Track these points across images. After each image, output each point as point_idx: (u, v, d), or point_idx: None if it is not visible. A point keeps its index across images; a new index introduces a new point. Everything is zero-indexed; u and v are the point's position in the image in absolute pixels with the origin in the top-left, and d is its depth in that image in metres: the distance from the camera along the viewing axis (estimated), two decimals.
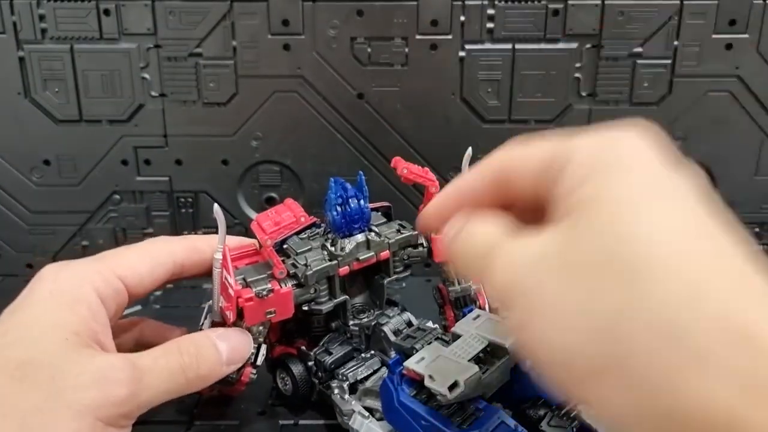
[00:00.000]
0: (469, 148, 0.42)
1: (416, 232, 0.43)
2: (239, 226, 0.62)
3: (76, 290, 0.36)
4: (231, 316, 0.38)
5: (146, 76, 0.58)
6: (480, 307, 0.44)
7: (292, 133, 0.60)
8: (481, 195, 0.27)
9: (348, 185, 0.41)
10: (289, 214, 0.42)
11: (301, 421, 0.44)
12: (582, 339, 0.20)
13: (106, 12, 0.57)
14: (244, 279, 0.39)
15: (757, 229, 0.63)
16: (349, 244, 0.41)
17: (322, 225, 0.43)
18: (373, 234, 0.42)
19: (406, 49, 0.58)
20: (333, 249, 0.41)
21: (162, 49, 0.58)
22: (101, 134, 0.60)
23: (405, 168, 0.42)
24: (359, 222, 0.41)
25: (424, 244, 0.43)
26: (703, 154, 0.61)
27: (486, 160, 0.27)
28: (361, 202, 0.41)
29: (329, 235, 0.42)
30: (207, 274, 0.40)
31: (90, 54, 0.58)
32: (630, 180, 0.22)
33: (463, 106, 0.59)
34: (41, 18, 0.57)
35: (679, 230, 0.20)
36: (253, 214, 0.62)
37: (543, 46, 0.58)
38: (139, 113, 0.59)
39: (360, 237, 0.41)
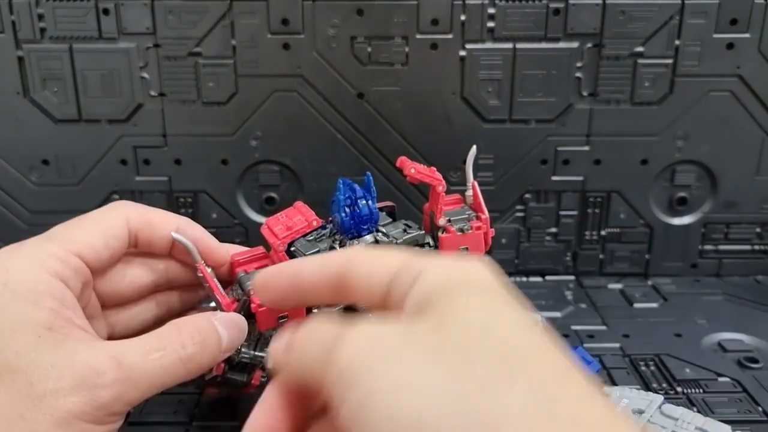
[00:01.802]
0: (474, 147, 0.42)
1: (423, 232, 0.42)
2: (239, 226, 0.62)
3: (33, 279, 0.32)
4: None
5: (145, 75, 0.58)
6: None
7: (292, 133, 0.60)
8: (317, 289, 0.27)
9: (356, 186, 0.41)
10: (301, 218, 0.41)
11: None
12: (439, 413, 0.19)
13: (105, 11, 0.56)
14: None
15: (758, 230, 0.63)
16: (358, 245, 0.41)
17: (328, 226, 0.42)
18: (380, 234, 0.41)
19: (407, 49, 0.58)
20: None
21: (161, 48, 0.57)
22: (100, 134, 0.60)
23: (412, 168, 0.41)
24: (368, 223, 0.41)
25: (431, 243, 0.43)
26: (704, 153, 0.61)
27: (329, 257, 0.27)
28: (370, 203, 0.40)
29: (337, 237, 0.41)
30: (161, 254, 0.39)
31: (89, 53, 0.57)
32: (482, 293, 0.23)
33: (463, 105, 0.59)
34: (40, 17, 0.56)
35: (528, 336, 0.21)
36: (252, 214, 0.62)
37: (544, 45, 0.58)
38: (139, 113, 0.59)
39: (368, 238, 0.41)
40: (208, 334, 0.34)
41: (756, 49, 0.58)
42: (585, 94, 0.59)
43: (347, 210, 0.40)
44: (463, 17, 0.57)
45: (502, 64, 0.58)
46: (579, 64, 0.58)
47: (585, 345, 0.52)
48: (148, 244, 0.38)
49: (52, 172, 0.61)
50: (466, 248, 0.41)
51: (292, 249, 0.40)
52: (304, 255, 0.40)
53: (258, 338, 0.40)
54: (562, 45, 0.58)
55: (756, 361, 0.49)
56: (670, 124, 0.60)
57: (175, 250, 0.39)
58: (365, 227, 0.41)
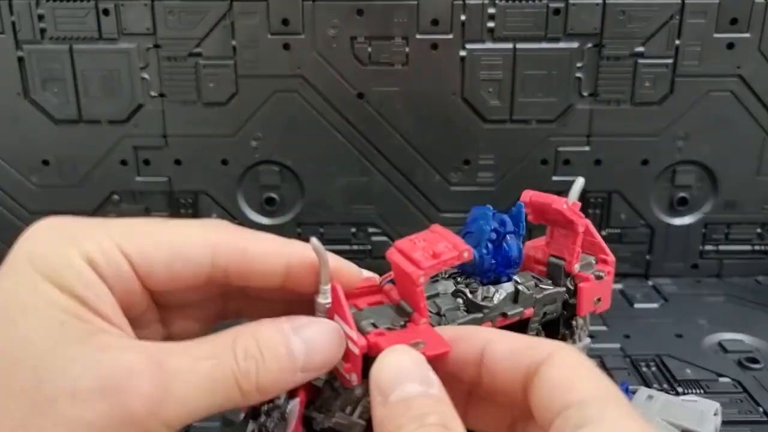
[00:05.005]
0: (581, 179, 0.33)
1: (562, 289, 0.34)
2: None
3: (64, 261, 0.24)
4: (355, 379, 0.27)
5: (146, 76, 0.58)
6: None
7: (292, 133, 0.60)
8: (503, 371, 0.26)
9: (506, 218, 0.33)
10: (448, 245, 0.30)
11: None
12: None
13: (106, 12, 0.56)
14: (373, 325, 0.28)
15: (758, 230, 0.63)
16: (497, 294, 0.32)
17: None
18: (521, 286, 0.33)
19: (407, 49, 0.58)
20: (473, 297, 0.32)
21: (161, 49, 0.57)
22: (100, 134, 0.60)
23: (564, 203, 0.32)
24: (514, 267, 0.33)
25: (569, 302, 0.34)
26: (705, 153, 0.61)
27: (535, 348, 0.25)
28: (518, 243, 0.33)
29: (461, 278, 0.33)
30: (267, 297, 0.29)
31: (89, 54, 0.57)
32: None
33: (464, 105, 0.59)
34: (40, 18, 0.56)
35: None
36: (253, 215, 0.62)
37: (544, 45, 0.58)
38: (139, 113, 0.59)
39: (508, 286, 0.32)
40: (271, 349, 0.25)
41: (756, 49, 0.58)
42: (585, 94, 0.59)
43: (489, 246, 0.32)
44: (463, 17, 0.57)
45: (503, 64, 0.58)
46: (579, 64, 0.58)
47: None
48: (244, 279, 0.28)
49: (52, 173, 0.61)
50: (599, 300, 0.34)
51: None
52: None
53: (357, 401, 0.29)
54: (562, 45, 0.58)
55: (756, 362, 0.49)
56: (670, 124, 0.60)
57: (288, 278, 0.29)
58: (509, 272, 0.33)
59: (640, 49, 0.58)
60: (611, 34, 0.57)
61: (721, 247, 0.64)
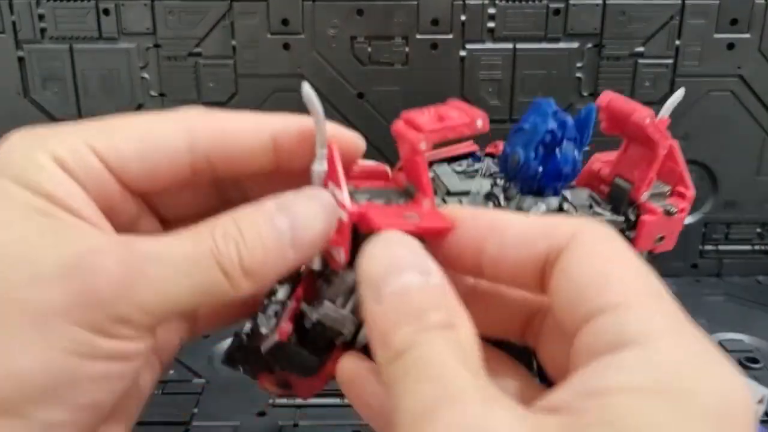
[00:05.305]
0: (681, 90, 0.31)
1: (620, 218, 0.28)
2: None
3: (28, 157, 0.23)
4: (342, 256, 0.23)
5: (146, 75, 0.58)
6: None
7: None
8: (519, 263, 0.21)
9: (569, 121, 0.28)
10: (462, 115, 0.25)
11: (301, 422, 0.44)
12: None
13: (106, 11, 0.56)
14: (368, 200, 0.25)
15: (758, 230, 0.63)
16: (535, 207, 0.27)
17: (485, 159, 0.30)
18: (568, 204, 0.28)
19: (407, 49, 0.58)
20: (505, 206, 0.27)
21: (161, 48, 0.57)
22: None
23: (649, 117, 0.28)
24: (565, 180, 0.27)
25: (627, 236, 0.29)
26: (705, 154, 0.60)
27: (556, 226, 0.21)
28: (576, 153, 0.27)
29: (500, 182, 0.28)
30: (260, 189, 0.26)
31: (89, 53, 0.57)
32: None
33: None
34: (41, 17, 0.56)
35: None
36: None
37: (544, 45, 0.58)
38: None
39: (553, 202, 0.27)
40: (250, 225, 0.23)
41: (756, 49, 0.58)
42: (585, 94, 0.59)
43: (540, 150, 0.27)
44: (463, 17, 0.57)
45: (503, 64, 0.58)
46: (579, 64, 0.58)
47: None
48: (230, 164, 0.26)
49: None
50: (662, 238, 0.29)
51: (431, 176, 0.26)
52: (448, 192, 0.27)
53: (349, 292, 0.25)
54: (562, 45, 0.58)
55: (756, 362, 0.49)
56: (670, 124, 0.60)
57: (279, 155, 0.26)
58: (557, 185, 0.27)
59: (640, 49, 0.58)
60: (611, 34, 0.57)
61: (721, 247, 0.64)
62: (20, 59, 0.58)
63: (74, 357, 0.20)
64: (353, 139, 0.27)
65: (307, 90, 0.23)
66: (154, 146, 0.24)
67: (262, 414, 0.44)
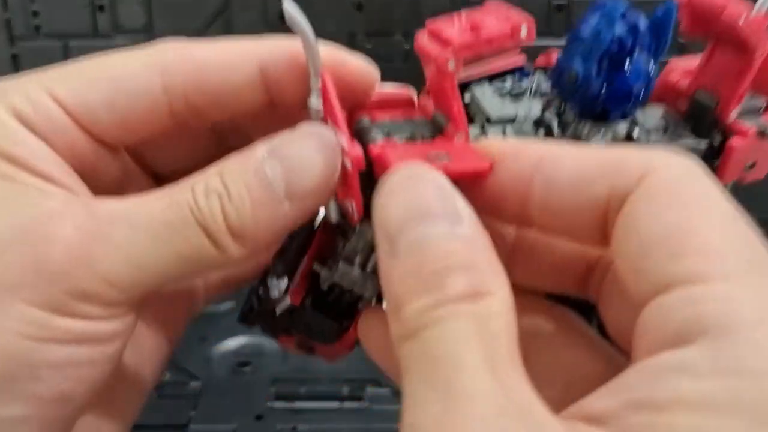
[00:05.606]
0: None
1: (702, 142, 0.23)
2: None
3: None
4: (356, 210, 0.20)
5: None
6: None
7: None
8: (575, 203, 0.17)
9: (642, 24, 0.21)
10: (499, 22, 0.20)
11: (300, 426, 0.43)
12: None
13: (101, 8, 0.56)
14: (387, 136, 0.21)
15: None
16: (597, 135, 0.22)
17: (534, 74, 0.25)
18: (637, 129, 0.22)
19: (406, 46, 0.57)
20: (559, 135, 0.22)
21: None
22: None
23: (744, 16, 0.21)
24: (634, 100, 0.22)
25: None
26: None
27: (623, 160, 0.16)
28: (651, 65, 0.22)
29: (553, 101, 0.23)
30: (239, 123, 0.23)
31: (84, 50, 0.56)
32: None
33: None
34: (35, 14, 0.56)
35: None
36: None
37: (544, 42, 0.57)
38: None
39: (621, 129, 0.22)
40: (235, 175, 0.19)
41: None
42: None
43: (604, 63, 0.21)
44: None
45: None
46: None
47: None
48: (215, 106, 0.22)
49: None
50: (752, 165, 0.24)
51: (465, 101, 0.22)
52: (487, 119, 0.22)
53: (369, 249, 0.21)
54: (563, 43, 0.57)
55: None
56: None
57: (271, 90, 0.22)
58: (626, 106, 0.22)
59: None
60: None
61: None
62: (14, 56, 0.57)
63: (29, 341, 0.17)
64: (361, 67, 0.23)
65: (290, 7, 0.19)
66: (125, 90, 0.21)
67: (259, 417, 0.44)
